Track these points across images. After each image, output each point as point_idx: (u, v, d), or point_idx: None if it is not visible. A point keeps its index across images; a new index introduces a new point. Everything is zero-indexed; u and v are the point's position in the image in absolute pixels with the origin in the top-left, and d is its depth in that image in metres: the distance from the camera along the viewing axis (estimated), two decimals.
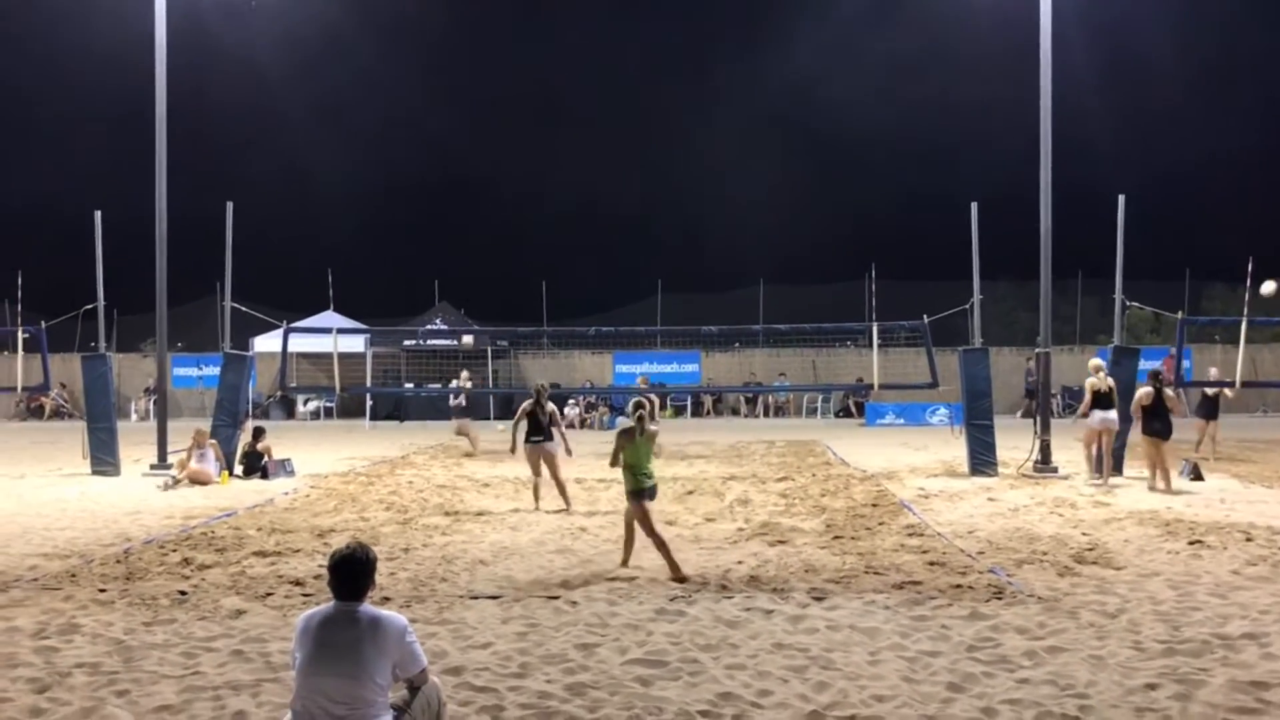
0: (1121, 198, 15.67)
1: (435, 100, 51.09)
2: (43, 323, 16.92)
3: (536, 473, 12.20)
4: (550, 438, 12.16)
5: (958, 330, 19.75)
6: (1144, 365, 15.97)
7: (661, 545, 8.38)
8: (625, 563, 8.75)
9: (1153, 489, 13.11)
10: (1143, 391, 13.53)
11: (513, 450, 12.29)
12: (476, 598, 7.70)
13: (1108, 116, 39.05)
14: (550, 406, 12.32)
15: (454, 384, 21.06)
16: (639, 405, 8.77)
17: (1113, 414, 13.85)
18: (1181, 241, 36.70)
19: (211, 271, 20.19)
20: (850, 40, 42.86)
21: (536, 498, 12.18)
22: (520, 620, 7.06)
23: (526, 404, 12.30)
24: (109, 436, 15.96)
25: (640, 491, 8.46)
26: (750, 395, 31.14)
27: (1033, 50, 15.74)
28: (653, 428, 8.72)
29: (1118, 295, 16.05)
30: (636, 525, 8.61)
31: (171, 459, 16.00)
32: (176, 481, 14.33)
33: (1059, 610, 7.17)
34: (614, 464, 8.67)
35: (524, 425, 12.18)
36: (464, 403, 19.61)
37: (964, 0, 24.26)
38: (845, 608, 7.29)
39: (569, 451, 12.34)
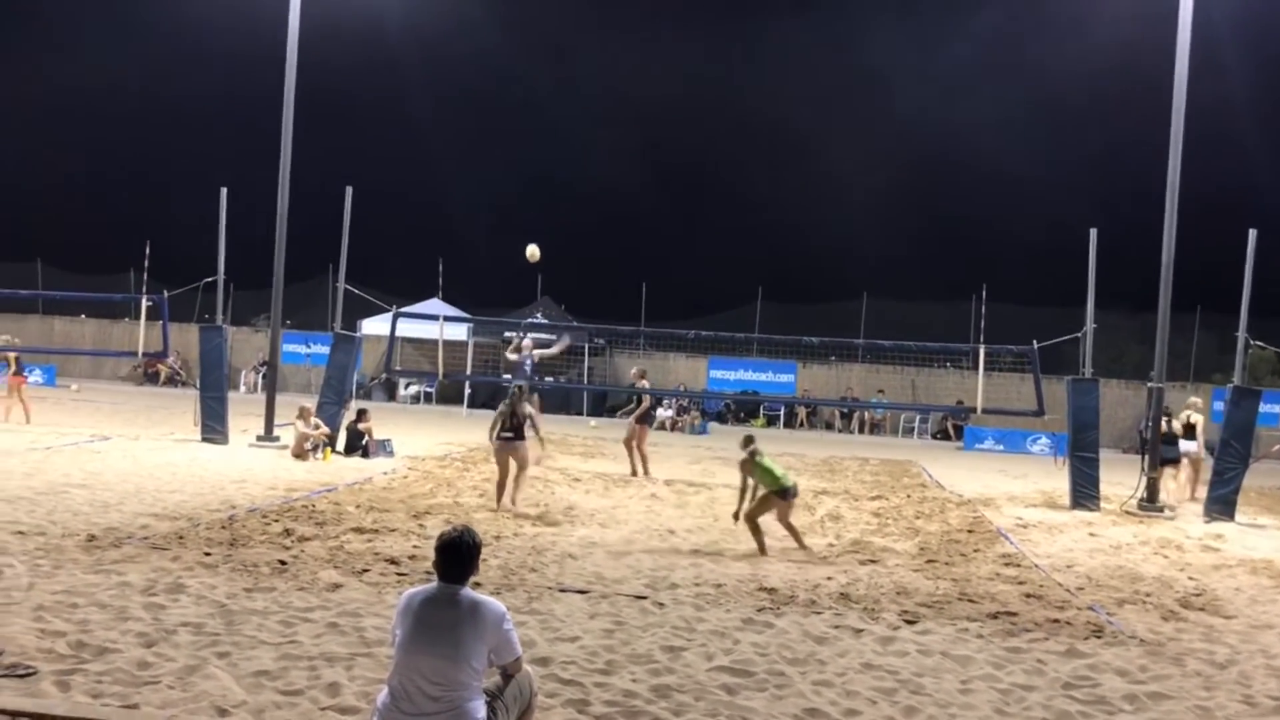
0: (1253, 232, 14.97)
1: (550, 98, 51.51)
2: (165, 292, 17.49)
3: (504, 472, 11.96)
4: (522, 437, 12.14)
5: (1063, 358, 19.15)
6: (1265, 409, 15.33)
7: (792, 530, 10.11)
8: (762, 550, 9.78)
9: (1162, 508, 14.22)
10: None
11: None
12: (565, 591, 7.77)
13: (1243, 143, 37.34)
14: (528, 409, 12.36)
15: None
16: (749, 439, 10.23)
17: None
18: None
19: (325, 252, 20.77)
20: (973, 54, 41.85)
21: (499, 498, 11.96)
22: (607, 617, 7.10)
23: (503, 405, 12.34)
24: (220, 405, 16.41)
25: (784, 490, 9.85)
26: (846, 410, 30.75)
27: (1166, 73, 15.18)
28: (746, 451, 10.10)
29: (1241, 333, 15.34)
30: (773, 519, 9.99)
31: (278, 432, 16.52)
32: (317, 449, 14.96)
33: (1162, 655, 6.91)
34: (743, 510, 10.05)
35: (499, 425, 12.17)
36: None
37: (1096, 14, 23.52)
38: (937, 633, 7.15)
39: (539, 458, 12.56)
